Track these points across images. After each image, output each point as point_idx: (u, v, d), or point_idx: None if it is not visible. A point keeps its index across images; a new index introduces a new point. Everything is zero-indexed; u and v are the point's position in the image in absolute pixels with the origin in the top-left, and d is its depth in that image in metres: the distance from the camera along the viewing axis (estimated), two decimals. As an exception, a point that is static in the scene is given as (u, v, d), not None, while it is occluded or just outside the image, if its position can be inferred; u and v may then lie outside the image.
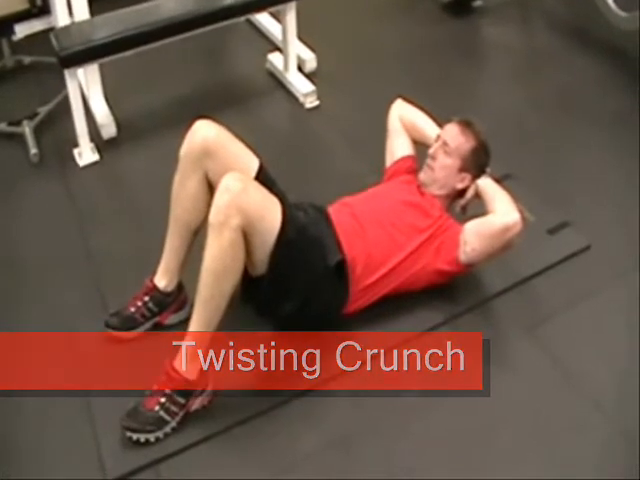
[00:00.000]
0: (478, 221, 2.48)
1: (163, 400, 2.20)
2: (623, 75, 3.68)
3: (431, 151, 2.62)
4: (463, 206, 2.63)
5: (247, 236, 2.16)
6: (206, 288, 2.16)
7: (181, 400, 2.21)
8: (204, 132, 2.40)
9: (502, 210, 2.44)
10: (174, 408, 2.21)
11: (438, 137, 2.63)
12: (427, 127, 2.76)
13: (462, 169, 2.57)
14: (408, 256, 2.47)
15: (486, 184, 2.56)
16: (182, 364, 2.20)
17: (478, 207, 2.55)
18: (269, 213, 2.21)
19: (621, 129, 3.34)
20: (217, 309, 2.18)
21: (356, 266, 2.41)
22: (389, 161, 2.83)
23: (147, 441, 2.20)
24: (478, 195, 2.58)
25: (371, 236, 2.46)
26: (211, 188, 2.38)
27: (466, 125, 2.61)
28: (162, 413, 2.20)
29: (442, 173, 2.58)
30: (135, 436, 2.20)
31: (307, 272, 2.32)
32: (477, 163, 2.59)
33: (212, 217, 2.13)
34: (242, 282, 2.33)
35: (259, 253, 2.22)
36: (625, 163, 3.13)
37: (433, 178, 2.60)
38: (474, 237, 2.45)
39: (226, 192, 2.13)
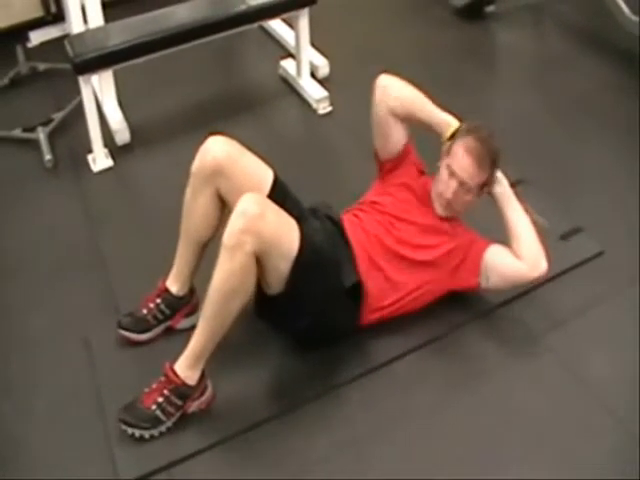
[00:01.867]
0: (504, 263, 2.44)
1: (160, 400, 2.22)
2: (635, 80, 3.67)
3: (448, 195, 2.42)
4: None
5: (261, 259, 2.14)
6: (212, 306, 2.15)
7: (178, 402, 2.23)
8: (216, 150, 2.37)
9: (532, 259, 2.40)
10: (170, 409, 2.23)
11: (448, 167, 2.41)
12: (425, 119, 2.52)
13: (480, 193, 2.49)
14: (423, 284, 2.47)
15: (501, 195, 2.47)
16: (182, 369, 2.22)
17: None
18: (285, 238, 2.18)
19: (634, 134, 3.33)
20: (221, 326, 2.18)
21: (370, 289, 2.39)
22: (382, 148, 2.64)
23: (142, 437, 2.22)
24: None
25: (386, 263, 2.44)
26: (222, 204, 2.39)
27: (479, 155, 2.37)
28: (158, 413, 2.22)
29: (464, 206, 2.50)
30: (130, 430, 2.22)
31: (321, 293, 2.30)
32: (493, 177, 2.47)
33: (226, 239, 2.10)
34: (256, 298, 2.33)
35: (274, 275, 2.21)
36: (638, 167, 3.12)
37: (455, 212, 2.51)
38: (498, 278, 2.46)
39: (242, 216, 2.10)
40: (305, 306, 2.29)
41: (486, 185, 2.46)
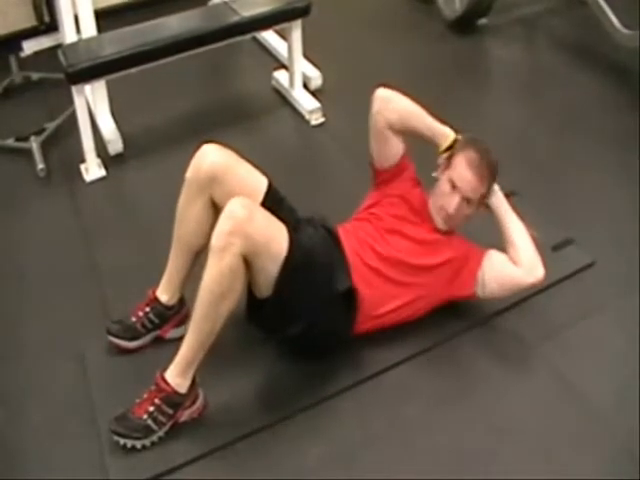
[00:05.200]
0: (501, 270, 2.44)
1: (152, 409, 2.22)
2: (627, 93, 3.69)
3: (451, 209, 2.41)
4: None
5: (250, 261, 2.15)
6: (202, 309, 2.16)
7: (169, 411, 2.23)
8: (211, 158, 2.39)
9: (528, 264, 2.39)
10: (162, 418, 2.23)
11: (450, 181, 2.40)
12: (422, 131, 2.51)
13: (480, 205, 2.49)
14: (420, 293, 2.47)
15: (498, 205, 2.48)
16: (173, 377, 2.22)
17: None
18: (274, 240, 2.19)
19: (625, 146, 3.35)
20: (211, 330, 2.18)
21: (366, 296, 2.39)
22: (378, 158, 2.62)
23: (133, 447, 2.22)
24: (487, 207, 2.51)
25: (382, 269, 2.43)
26: (216, 211, 2.37)
27: (480, 169, 2.38)
28: (150, 422, 2.22)
29: (464, 220, 2.50)
30: (122, 441, 2.22)
31: (312, 297, 2.30)
32: (491, 189, 2.48)
33: (214, 241, 2.12)
34: (248, 303, 2.35)
35: (263, 277, 2.22)
36: (629, 180, 3.14)
37: (455, 224, 2.51)
38: (495, 286, 2.46)
39: (230, 218, 2.12)
40: (296, 311, 2.29)
41: (485, 197, 2.47)
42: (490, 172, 2.42)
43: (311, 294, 2.29)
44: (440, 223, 2.50)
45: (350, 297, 2.37)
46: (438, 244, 2.49)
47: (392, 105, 2.52)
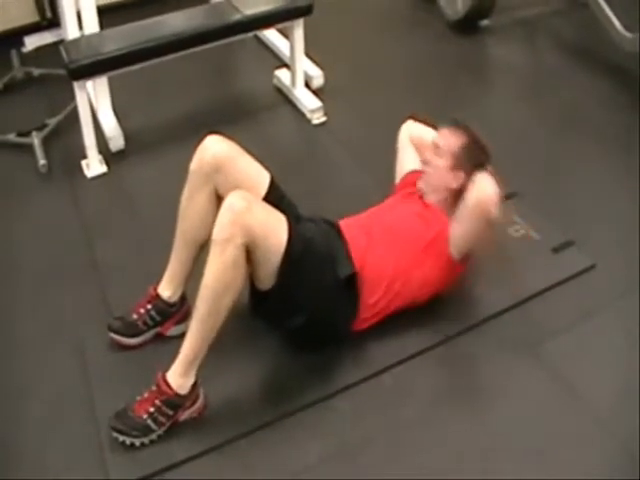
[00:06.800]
0: (458, 212, 2.46)
1: (152, 410, 2.21)
2: (628, 95, 3.70)
3: (425, 157, 2.63)
4: None
5: (251, 253, 2.16)
6: (204, 304, 2.16)
7: (170, 412, 2.23)
8: (215, 148, 2.41)
9: (474, 188, 2.37)
10: (162, 419, 2.22)
11: (432, 144, 2.63)
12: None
13: (454, 167, 2.54)
14: (415, 267, 2.47)
15: (478, 177, 2.46)
16: (175, 378, 2.22)
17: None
18: (274, 231, 2.21)
19: (625, 148, 3.35)
20: (214, 325, 2.18)
21: (366, 280, 2.41)
22: (398, 177, 2.84)
23: (132, 444, 2.22)
24: None
25: (380, 250, 2.46)
26: (220, 203, 2.36)
27: (455, 125, 2.60)
28: (149, 422, 2.21)
29: (436, 174, 2.58)
30: (121, 438, 2.22)
31: (315, 286, 2.31)
32: (469, 159, 2.54)
33: (215, 234, 2.13)
34: (251, 296, 2.36)
35: (265, 269, 2.22)
36: (629, 182, 3.14)
37: (429, 182, 2.60)
38: (455, 225, 2.45)
39: (230, 210, 2.14)
40: (299, 301, 2.30)
41: (459, 165, 2.54)
42: (464, 132, 2.58)
43: (314, 283, 2.31)
44: (420, 183, 2.64)
45: (351, 285, 2.38)
46: (430, 216, 2.54)
47: (415, 123, 2.88)
